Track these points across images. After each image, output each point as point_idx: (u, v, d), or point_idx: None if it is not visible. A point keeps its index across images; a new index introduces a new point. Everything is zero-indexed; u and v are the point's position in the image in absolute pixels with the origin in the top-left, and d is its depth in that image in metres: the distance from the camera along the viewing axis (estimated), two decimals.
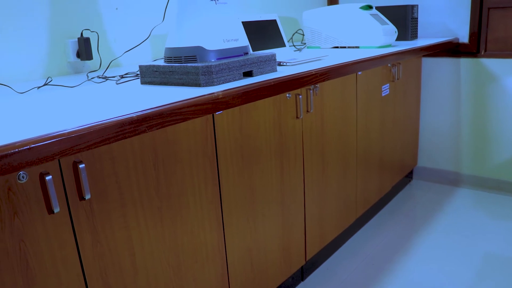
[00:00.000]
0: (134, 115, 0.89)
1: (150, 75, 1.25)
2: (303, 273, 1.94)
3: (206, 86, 1.17)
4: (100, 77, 1.47)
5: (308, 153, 1.75)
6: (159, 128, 0.94)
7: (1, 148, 0.76)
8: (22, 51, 1.58)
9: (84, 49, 1.69)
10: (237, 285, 1.49)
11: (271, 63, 1.39)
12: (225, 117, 1.31)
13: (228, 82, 1.23)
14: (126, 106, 0.99)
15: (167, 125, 0.96)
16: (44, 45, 1.65)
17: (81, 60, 1.71)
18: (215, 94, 1.07)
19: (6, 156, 0.76)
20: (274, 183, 1.58)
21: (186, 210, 1.25)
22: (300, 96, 1.63)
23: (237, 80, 1.26)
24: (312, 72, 1.45)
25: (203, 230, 1.32)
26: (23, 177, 0.90)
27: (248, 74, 1.32)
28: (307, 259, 1.86)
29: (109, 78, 1.44)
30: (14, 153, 0.77)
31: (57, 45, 1.68)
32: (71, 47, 1.70)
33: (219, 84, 1.20)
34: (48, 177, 0.92)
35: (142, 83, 1.29)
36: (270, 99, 1.49)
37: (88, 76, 1.56)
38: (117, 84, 1.33)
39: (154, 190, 1.15)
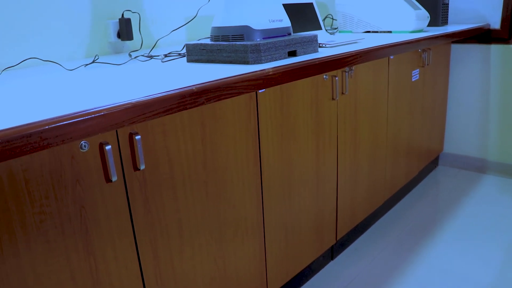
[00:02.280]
0: (194, 87, 0.93)
1: (197, 53, 1.29)
2: (333, 252, 1.98)
3: (254, 63, 1.20)
4: (144, 56, 1.51)
5: (342, 135, 1.78)
6: (216, 101, 0.98)
7: (65, 117, 0.80)
8: (67, 31, 1.63)
9: (124, 30, 1.73)
10: (272, 260, 1.54)
11: (313, 44, 1.41)
12: (267, 95, 1.34)
13: (274, 60, 1.26)
14: (178, 81, 1.03)
15: (223, 98, 1.00)
16: (87, 26, 1.69)
17: (122, 40, 1.75)
18: (266, 71, 1.10)
19: (70, 124, 0.80)
20: (310, 162, 1.61)
21: (229, 185, 1.29)
22: (337, 78, 1.65)
23: (282, 59, 1.29)
24: (352, 53, 1.47)
25: (244, 205, 1.36)
26: (84, 146, 0.94)
27: (292, 53, 1.35)
28: (337, 239, 1.89)
29: (153, 57, 1.47)
30: (78, 121, 0.81)
31: (98, 26, 1.73)
32: (112, 28, 1.74)
33: (266, 62, 1.23)
34: (108, 147, 0.96)
35: (188, 61, 1.33)
36: (308, 80, 1.51)
37: (131, 55, 1.60)
38: (162, 62, 1.36)
39: (201, 164, 1.19)
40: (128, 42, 1.83)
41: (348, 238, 2.08)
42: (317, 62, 1.28)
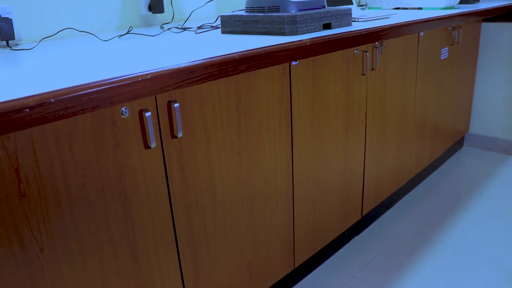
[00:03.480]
0: (235, 55, 0.94)
1: (231, 25, 1.29)
2: (358, 227, 1.99)
3: (290, 35, 1.20)
4: (177, 28, 1.52)
5: (371, 111, 1.77)
6: (255, 69, 0.99)
7: (115, 80, 0.82)
8: (100, 3, 1.64)
9: (156, 2, 1.74)
10: (300, 233, 1.55)
11: (347, 18, 1.40)
12: (300, 68, 1.34)
13: (309, 32, 1.26)
14: (216, 50, 1.04)
15: (263, 67, 1.00)
16: None
17: (153, 13, 1.76)
18: (304, 41, 1.10)
19: (119, 87, 0.82)
20: (339, 136, 1.62)
21: (261, 156, 1.30)
22: (367, 53, 1.64)
23: (317, 31, 1.29)
24: (385, 27, 1.46)
25: (275, 177, 1.37)
26: (125, 112, 0.96)
27: (327, 26, 1.35)
28: (362, 214, 1.90)
29: (187, 29, 1.48)
30: (127, 84, 0.83)
31: None
32: (143, 1, 1.75)
33: (302, 33, 1.23)
34: (147, 114, 0.98)
35: (222, 32, 1.33)
36: (339, 55, 1.51)
37: (163, 28, 1.61)
38: (196, 33, 1.37)
39: (235, 134, 1.20)
40: (158, 15, 1.84)
41: (373, 215, 2.09)
42: (352, 35, 1.28)
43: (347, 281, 1.70)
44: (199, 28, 1.46)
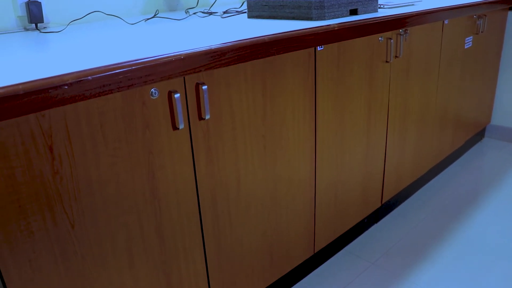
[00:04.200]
0: (266, 37, 0.95)
1: (258, 9, 1.30)
2: (378, 215, 2.00)
3: (317, 20, 1.20)
4: (203, 12, 1.53)
5: (393, 98, 1.77)
6: (284, 52, 1.00)
7: (149, 59, 0.83)
8: None
9: None
10: (321, 218, 1.57)
11: (374, 4, 1.40)
12: (325, 53, 1.35)
13: (336, 18, 1.26)
14: (244, 34, 1.05)
15: (292, 50, 1.01)
16: None
17: None
18: (331, 26, 1.11)
19: (153, 66, 0.84)
20: (361, 123, 1.62)
21: (285, 141, 1.31)
22: (392, 40, 1.64)
23: (344, 16, 1.29)
24: (412, 14, 1.45)
25: (297, 162, 1.38)
26: (154, 93, 0.98)
27: (353, 12, 1.35)
28: (382, 202, 1.91)
29: (212, 13, 1.49)
30: (160, 64, 0.84)
31: None
32: None
33: (329, 19, 1.23)
34: (177, 95, 0.99)
35: (249, 17, 1.34)
36: (364, 42, 1.50)
37: (188, 12, 1.62)
38: (222, 18, 1.38)
39: (260, 118, 1.21)
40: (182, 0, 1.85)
41: (393, 203, 2.09)
42: (378, 21, 1.28)
43: (366, 268, 1.71)
44: (224, 12, 1.46)
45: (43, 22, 1.44)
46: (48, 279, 0.93)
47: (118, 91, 0.76)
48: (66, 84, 0.69)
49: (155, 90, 0.97)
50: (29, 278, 0.90)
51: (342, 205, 1.65)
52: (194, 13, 1.54)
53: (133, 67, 0.76)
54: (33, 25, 1.47)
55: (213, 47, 0.88)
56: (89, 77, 0.71)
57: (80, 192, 0.93)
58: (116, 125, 0.94)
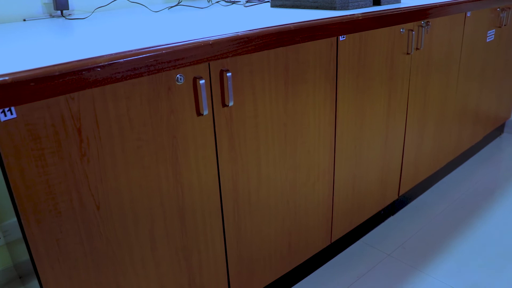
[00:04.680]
0: (291, 25, 0.95)
1: None
2: (394, 207, 2.00)
3: (340, 9, 1.21)
4: (226, 1, 1.54)
5: (413, 91, 1.76)
6: (309, 40, 1.00)
7: (179, 44, 0.84)
8: None
9: None
10: (339, 208, 1.58)
11: None
12: (347, 43, 1.35)
13: (359, 7, 1.26)
14: (268, 22, 1.06)
15: (317, 38, 1.02)
16: None
17: None
18: (355, 15, 1.11)
19: (183, 51, 0.85)
20: (380, 115, 1.62)
21: (306, 130, 1.32)
22: (413, 32, 1.63)
23: (367, 6, 1.29)
24: (435, 4, 1.45)
25: (317, 151, 1.39)
26: (180, 79, 0.99)
27: (376, 2, 1.35)
28: (399, 194, 1.91)
29: (235, 2, 1.50)
30: (189, 49, 0.86)
31: None
32: None
33: (353, 8, 1.23)
34: (202, 81, 1.01)
35: (272, 6, 1.35)
36: (385, 33, 1.50)
37: (210, 1, 1.63)
38: (245, 7, 1.39)
39: (282, 106, 1.22)
40: None
41: (410, 195, 2.09)
42: (402, 11, 1.28)
43: (382, 259, 1.72)
44: (247, 1, 1.47)
45: (68, 9, 1.47)
46: (73, 259, 0.95)
47: (148, 75, 0.78)
48: (99, 66, 0.71)
49: (180, 76, 0.99)
50: (55, 256, 0.93)
51: (360, 196, 1.66)
52: (217, 2, 1.55)
53: (164, 51, 0.77)
54: (59, 12, 1.50)
55: (240, 33, 0.89)
56: (121, 60, 0.72)
57: (106, 174, 0.95)
58: (142, 110, 0.96)
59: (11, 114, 0.80)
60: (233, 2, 1.49)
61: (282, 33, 0.95)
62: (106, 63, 0.72)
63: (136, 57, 0.75)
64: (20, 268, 1.47)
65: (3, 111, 0.78)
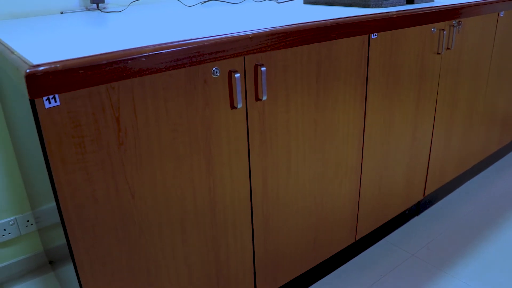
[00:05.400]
0: (328, 21, 0.96)
1: None
2: (419, 208, 1.99)
3: (375, 7, 1.21)
4: None
5: (442, 91, 1.75)
6: (344, 37, 1.01)
7: (221, 37, 0.86)
8: None
9: None
10: (365, 206, 1.58)
11: None
12: (379, 42, 1.35)
13: (393, 6, 1.27)
14: (302, 19, 1.07)
15: (352, 35, 1.03)
16: None
17: None
18: (390, 13, 1.12)
19: (223, 43, 0.87)
20: (409, 114, 1.62)
21: (335, 127, 1.33)
22: (444, 32, 1.62)
23: (401, 5, 1.29)
24: (469, 3, 1.44)
25: (346, 148, 1.40)
26: (216, 72, 1.01)
27: (410, 1, 1.35)
28: (425, 195, 1.90)
29: None
30: (229, 42, 0.87)
31: None
32: None
33: (387, 6, 1.24)
34: (237, 75, 1.02)
35: (305, 3, 1.36)
36: (416, 32, 1.50)
37: None
38: (278, 3, 1.40)
39: (313, 102, 1.23)
40: None
41: (435, 196, 2.08)
42: (436, 10, 1.27)
43: (405, 259, 1.72)
44: None
45: (103, 2, 1.50)
46: (107, 245, 0.98)
47: (189, 66, 0.79)
48: (144, 56, 0.73)
49: (216, 69, 1.00)
50: (91, 242, 0.95)
51: (385, 195, 1.66)
52: None
53: (206, 43, 0.79)
54: (94, 5, 1.53)
55: (278, 28, 0.91)
56: (165, 51, 0.74)
57: (141, 163, 0.97)
58: (178, 101, 0.98)
59: (55, 101, 0.82)
60: None
61: (319, 29, 0.96)
62: (151, 53, 0.74)
63: (179, 48, 0.76)
64: (51, 253, 1.51)
65: (48, 99, 0.81)
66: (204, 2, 1.47)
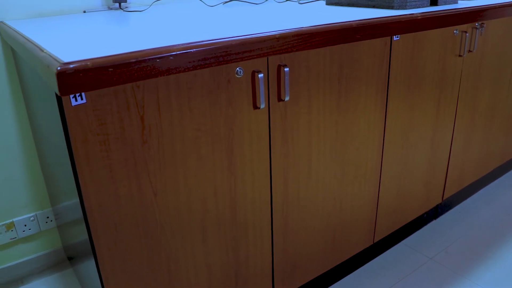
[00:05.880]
0: (353, 23, 0.96)
1: None
2: (437, 211, 1.98)
3: (398, 8, 1.21)
4: None
5: (463, 94, 1.74)
6: (369, 38, 1.01)
7: (249, 37, 0.86)
8: None
9: None
10: (383, 209, 1.57)
11: None
12: (400, 43, 1.34)
13: (417, 7, 1.26)
14: (325, 20, 1.06)
15: (376, 37, 1.02)
16: None
17: None
18: (415, 15, 1.11)
19: (252, 43, 0.87)
20: (429, 117, 1.60)
21: (356, 128, 1.32)
22: (467, 34, 1.61)
23: (424, 6, 1.28)
24: (495, 5, 1.42)
25: (366, 150, 1.39)
26: (240, 72, 1.01)
27: (433, 2, 1.34)
28: (443, 198, 1.88)
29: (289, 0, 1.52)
30: (257, 42, 0.87)
31: None
32: None
33: (411, 8, 1.23)
34: (260, 75, 1.02)
35: (327, 4, 1.35)
36: (438, 33, 1.49)
37: None
38: (300, 4, 1.40)
39: (335, 103, 1.23)
40: None
41: (454, 200, 2.06)
42: (460, 12, 1.26)
43: (423, 262, 1.71)
44: None
45: (125, 1, 1.51)
46: (129, 242, 0.98)
47: (217, 65, 0.80)
48: (173, 55, 0.73)
49: (240, 69, 1.01)
50: (113, 240, 0.96)
51: (404, 197, 1.65)
52: None
53: (233, 43, 0.79)
54: (117, 4, 1.54)
55: (304, 28, 0.90)
56: (193, 50, 0.75)
57: (164, 162, 0.98)
58: (202, 101, 0.98)
59: (81, 99, 0.83)
60: None
61: (345, 30, 0.95)
62: (179, 52, 0.74)
63: (207, 47, 0.77)
64: (70, 249, 1.53)
65: (74, 96, 0.82)
66: (226, 2, 1.48)
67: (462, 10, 1.31)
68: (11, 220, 1.59)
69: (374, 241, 1.62)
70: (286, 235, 1.28)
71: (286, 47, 0.89)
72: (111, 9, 1.54)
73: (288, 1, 1.48)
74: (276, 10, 1.29)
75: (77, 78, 0.71)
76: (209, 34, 0.92)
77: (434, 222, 1.96)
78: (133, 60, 0.72)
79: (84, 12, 1.51)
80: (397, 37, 1.29)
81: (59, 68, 0.69)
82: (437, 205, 1.96)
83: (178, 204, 1.03)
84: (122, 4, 1.55)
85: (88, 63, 0.70)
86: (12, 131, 1.50)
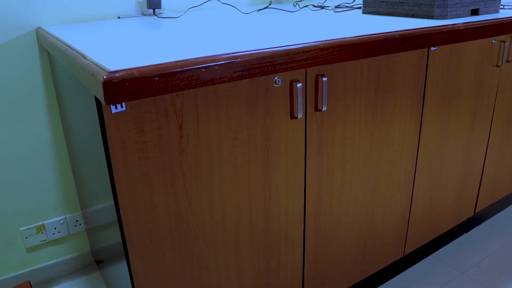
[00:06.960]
0: (396, 33, 0.94)
1: (375, 5, 1.29)
2: (469, 224, 1.94)
3: (438, 18, 1.18)
4: (315, 6, 1.54)
5: (499, 105, 1.70)
6: (411, 49, 0.99)
7: (292, 48, 0.85)
8: None
9: None
10: (414, 221, 1.54)
11: (496, 4, 1.35)
12: (437, 54, 1.32)
13: (458, 17, 1.23)
14: (364, 29, 1.05)
15: (418, 48, 1.00)
16: None
17: None
18: (457, 25, 1.08)
19: (296, 54, 0.86)
20: (464, 128, 1.57)
21: (391, 139, 1.30)
22: (506, 44, 1.57)
23: (465, 16, 1.26)
24: None
25: (400, 161, 1.37)
26: (278, 81, 1.00)
27: (474, 12, 1.31)
28: (475, 212, 1.84)
29: (324, 7, 1.50)
30: (301, 52, 0.86)
31: None
32: None
33: (451, 18, 1.20)
34: (299, 85, 1.01)
35: (364, 12, 1.34)
36: (475, 43, 1.46)
37: (297, 5, 1.64)
38: (335, 12, 1.39)
39: (370, 114, 1.21)
40: None
41: (486, 214, 2.02)
42: (502, 21, 1.23)
43: (455, 277, 1.67)
44: (336, 7, 1.47)
45: (160, 8, 1.51)
46: (162, 250, 0.98)
47: (261, 75, 0.79)
48: (217, 65, 0.73)
49: (278, 78, 1.00)
50: (146, 247, 0.96)
51: (435, 210, 1.62)
52: (305, 6, 1.55)
53: (278, 53, 0.78)
54: (151, 10, 1.55)
55: (347, 39, 0.89)
56: (238, 60, 0.74)
57: (201, 171, 0.97)
58: (240, 110, 0.97)
59: (121, 107, 0.83)
60: (322, 7, 1.49)
61: (388, 41, 0.94)
62: (224, 62, 0.74)
63: (252, 57, 0.76)
64: (98, 253, 1.53)
65: (115, 104, 0.81)
66: (260, 10, 1.47)
67: (504, 20, 1.28)
68: (41, 223, 1.60)
69: (405, 254, 1.59)
70: (317, 246, 1.26)
71: (329, 57, 0.88)
72: (145, 15, 1.55)
73: (323, 9, 1.47)
74: (312, 19, 1.28)
75: (123, 87, 0.70)
76: (248, 43, 0.91)
77: (465, 235, 1.92)
78: (179, 70, 0.72)
79: (119, 18, 1.52)
80: (435, 47, 1.27)
81: (105, 77, 0.68)
82: (469, 218, 1.92)
83: (212, 213, 1.02)
84: (156, 10, 1.56)
85: (134, 71, 0.70)
86: (45, 135, 1.51)
